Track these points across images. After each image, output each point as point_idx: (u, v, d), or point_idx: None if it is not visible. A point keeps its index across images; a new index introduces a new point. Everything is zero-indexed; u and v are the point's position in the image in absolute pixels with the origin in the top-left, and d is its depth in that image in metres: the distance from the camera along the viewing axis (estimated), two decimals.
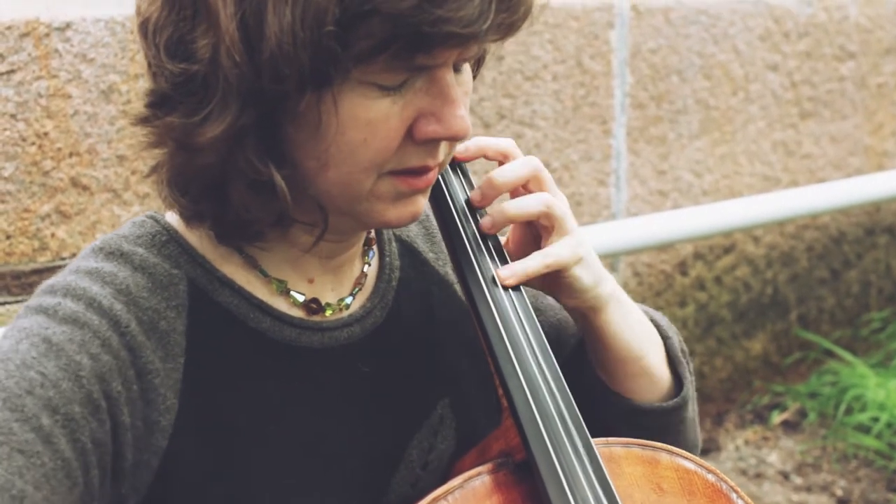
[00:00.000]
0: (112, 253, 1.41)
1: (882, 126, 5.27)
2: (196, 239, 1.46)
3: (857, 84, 5.12)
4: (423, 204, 1.43)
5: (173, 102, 1.32)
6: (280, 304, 1.47)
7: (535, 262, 1.49)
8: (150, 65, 1.35)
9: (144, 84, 2.94)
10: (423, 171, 1.38)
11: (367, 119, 1.30)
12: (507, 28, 1.31)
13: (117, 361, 1.33)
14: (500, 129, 3.84)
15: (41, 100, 2.82)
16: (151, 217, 1.47)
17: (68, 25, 2.85)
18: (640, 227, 4.03)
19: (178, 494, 1.36)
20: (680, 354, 1.69)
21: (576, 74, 4.05)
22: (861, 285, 5.39)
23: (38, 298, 1.37)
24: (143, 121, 1.36)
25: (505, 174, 1.51)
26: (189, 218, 1.42)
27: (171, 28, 1.30)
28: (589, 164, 4.15)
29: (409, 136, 1.34)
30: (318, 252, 1.46)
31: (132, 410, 1.34)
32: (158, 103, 1.34)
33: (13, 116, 2.78)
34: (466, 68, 1.38)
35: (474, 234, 1.50)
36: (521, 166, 1.51)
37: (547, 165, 3.91)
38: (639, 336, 1.62)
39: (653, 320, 1.70)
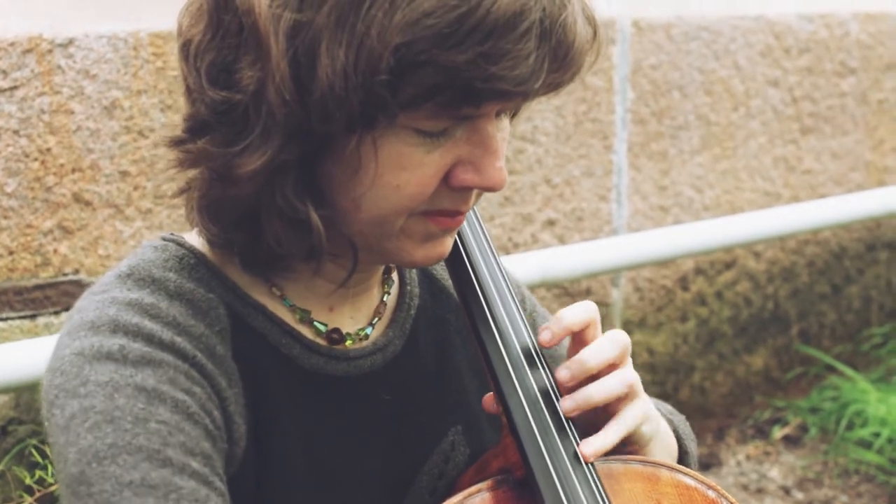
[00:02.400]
0: (143, 279, 1.39)
1: (883, 142, 5.27)
2: (222, 263, 1.45)
3: (858, 100, 5.13)
4: (450, 244, 1.43)
5: (211, 129, 1.31)
6: (306, 333, 1.47)
7: (614, 436, 1.47)
8: (189, 88, 1.34)
9: (147, 100, 2.95)
10: (455, 213, 1.39)
11: (405, 164, 1.30)
12: (555, 86, 1.31)
13: (205, 391, 1.33)
14: None
15: (44, 116, 2.82)
16: (172, 240, 1.46)
17: (71, 42, 2.86)
18: (642, 242, 4.03)
19: None
20: (693, 467, 1.70)
21: (577, 90, 4.06)
22: (862, 301, 5.39)
23: (86, 340, 1.33)
24: (178, 143, 1.36)
25: (596, 358, 1.46)
26: (218, 245, 1.42)
27: (214, 53, 1.30)
28: (590, 179, 4.16)
29: (445, 181, 1.34)
30: (336, 279, 1.45)
31: (226, 438, 1.35)
32: (196, 129, 1.33)
33: (16, 132, 2.79)
34: (505, 117, 1.38)
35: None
36: (611, 348, 1.47)
37: (548, 181, 3.91)
38: (662, 455, 1.62)
39: (676, 432, 1.70)
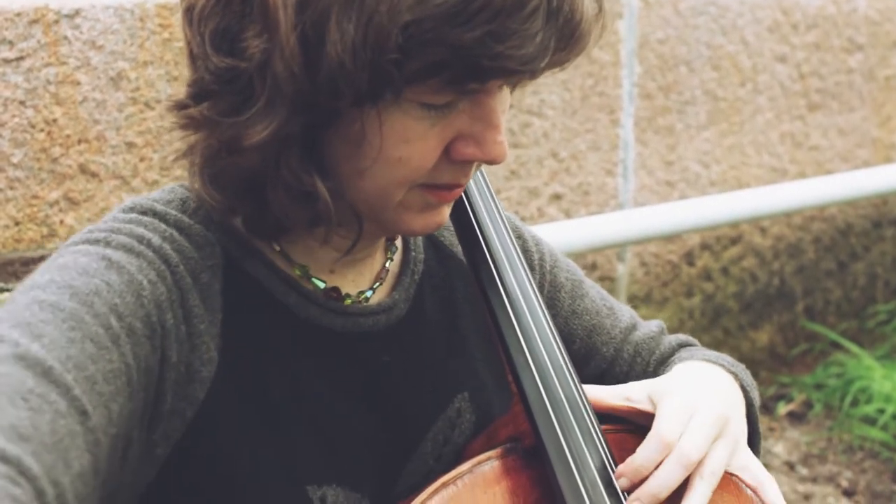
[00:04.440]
0: (145, 211, 1.39)
1: (890, 118, 5.26)
2: (223, 215, 1.44)
3: (866, 76, 5.12)
4: (447, 214, 1.43)
5: (214, 96, 1.31)
6: (304, 285, 1.47)
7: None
8: (192, 53, 1.34)
9: (154, 71, 2.95)
10: (454, 187, 1.39)
11: (409, 137, 1.29)
12: (561, 63, 1.31)
13: (170, 294, 1.33)
14: (508, 118, 3.84)
15: (50, 87, 2.82)
16: (181, 185, 1.46)
17: (77, 12, 2.85)
18: (648, 217, 4.03)
19: (205, 451, 1.35)
20: (757, 423, 1.70)
21: (584, 64, 4.05)
22: (868, 277, 5.39)
23: (79, 236, 1.35)
24: (180, 108, 1.35)
25: (662, 485, 1.47)
26: (221, 213, 1.42)
27: (218, 19, 1.29)
28: (597, 153, 4.15)
29: (446, 154, 1.34)
30: (338, 246, 1.45)
31: (179, 350, 1.33)
32: (200, 95, 1.32)
33: (22, 103, 2.78)
34: (507, 89, 1.38)
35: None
36: (677, 471, 1.47)
37: (554, 155, 3.91)
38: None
39: (742, 385, 1.69)
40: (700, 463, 1.47)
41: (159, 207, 1.40)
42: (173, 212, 1.40)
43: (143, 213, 1.39)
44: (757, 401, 1.70)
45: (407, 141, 1.29)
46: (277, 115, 1.26)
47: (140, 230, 1.35)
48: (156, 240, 1.34)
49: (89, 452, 1.15)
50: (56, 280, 1.25)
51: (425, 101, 1.28)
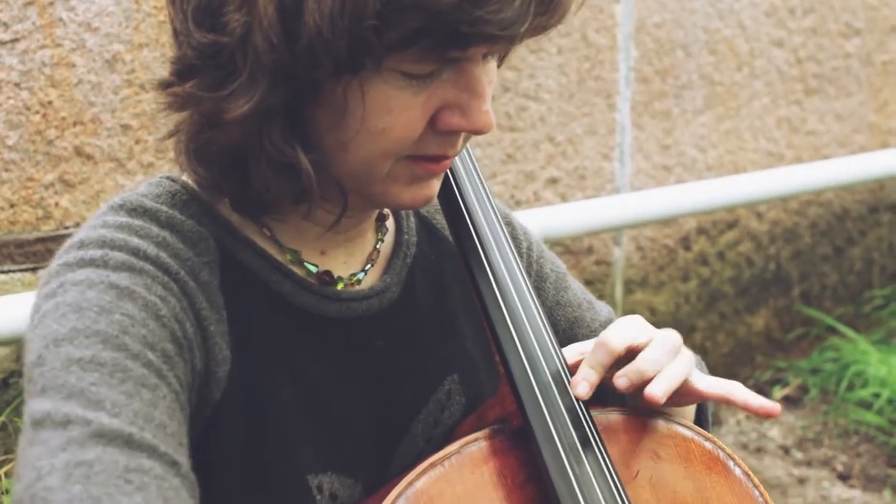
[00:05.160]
0: (135, 209, 1.39)
1: (887, 103, 5.26)
2: (213, 200, 1.45)
3: (863, 61, 5.11)
4: (437, 187, 1.43)
5: (198, 72, 1.31)
6: (297, 272, 1.48)
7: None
8: (176, 31, 1.34)
9: (149, 53, 2.95)
10: (441, 158, 1.38)
11: (392, 107, 1.29)
12: (542, 29, 1.31)
13: (181, 304, 1.33)
14: (504, 101, 3.84)
15: (45, 69, 2.82)
16: (168, 178, 1.46)
17: None
18: (644, 201, 4.03)
19: (216, 451, 1.37)
20: (708, 414, 1.71)
21: (581, 48, 4.05)
22: (864, 262, 5.39)
23: (72, 254, 1.34)
24: (165, 86, 1.36)
25: (653, 365, 1.46)
26: (207, 189, 1.43)
27: None
28: (593, 138, 4.15)
29: (431, 125, 1.34)
30: (325, 222, 1.45)
31: (201, 356, 1.34)
32: (184, 72, 1.33)
33: (17, 85, 2.78)
34: (492, 60, 1.37)
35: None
36: (662, 353, 1.47)
37: (551, 139, 3.91)
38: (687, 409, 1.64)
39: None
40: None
41: (149, 204, 1.40)
42: (164, 208, 1.40)
43: (133, 211, 1.39)
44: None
45: (390, 111, 1.29)
46: (259, 89, 1.26)
47: (134, 242, 1.34)
48: (151, 250, 1.34)
49: (192, 498, 1.20)
50: (79, 328, 1.24)
51: (407, 70, 1.28)
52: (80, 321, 1.25)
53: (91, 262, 1.31)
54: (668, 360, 1.46)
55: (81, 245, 1.34)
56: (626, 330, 1.48)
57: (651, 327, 1.51)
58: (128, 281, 1.29)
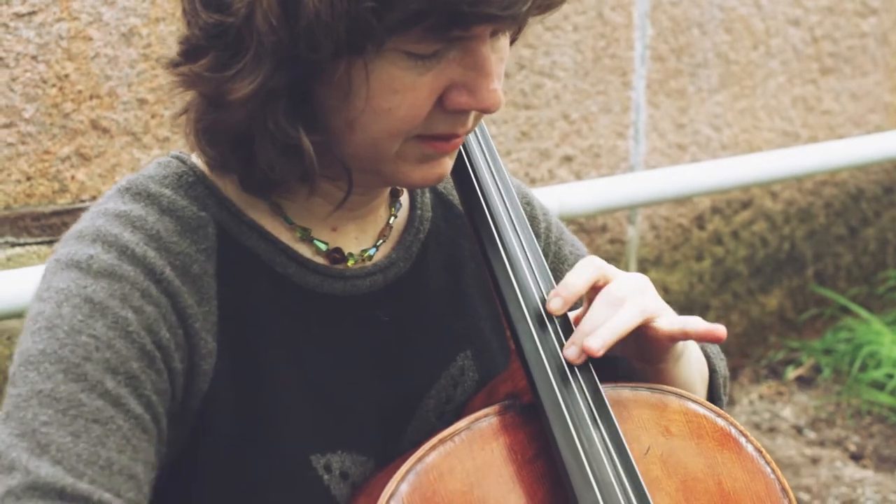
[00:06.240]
0: (139, 194, 1.41)
1: None
2: (222, 182, 1.46)
3: (879, 40, 5.10)
4: (449, 166, 1.43)
5: (205, 52, 1.32)
6: (304, 252, 1.48)
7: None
8: (184, 10, 1.35)
9: (165, 28, 2.95)
10: (451, 137, 1.38)
11: (397, 87, 1.30)
12: (547, 8, 1.31)
13: (160, 309, 1.35)
14: (520, 79, 3.84)
15: (62, 42, 2.82)
16: (177, 157, 1.47)
17: None
18: (659, 179, 4.03)
19: (212, 439, 1.39)
20: (721, 390, 1.70)
21: (596, 25, 4.04)
22: (878, 243, 5.38)
23: (68, 247, 1.37)
24: (173, 66, 1.36)
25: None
26: (216, 168, 1.43)
27: None
28: (608, 116, 4.15)
29: (440, 104, 1.33)
30: (336, 200, 1.45)
31: (181, 356, 1.36)
32: (191, 52, 1.34)
33: (34, 58, 2.79)
34: (503, 37, 1.37)
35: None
36: (590, 271, 1.49)
37: (566, 117, 3.91)
38: (694, 378, 1.62)
39: (705, 351, 1.70)
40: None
41: (154, 188, 1.42)
42: (168, 192, 1.42)
43: (137, 195, 1.41)
44: (721, 371, 1.71)
45: (395, 91, 1.30)
46: (262, 70, 1.27)
47: (126, 237, 1.36)
48: (139, 249, 1.36)
49: None
50: (48, 353, 1.29)
51: (411, 50, 1.28)
52: (49, 343, 1.30)
53: (77, 266, 1.34)
54: (611, 314, 1.44)
55: (79, 236, 1.38)
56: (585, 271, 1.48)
57: (611, 269, 1.51)
58: (104, 293, 1.32)
